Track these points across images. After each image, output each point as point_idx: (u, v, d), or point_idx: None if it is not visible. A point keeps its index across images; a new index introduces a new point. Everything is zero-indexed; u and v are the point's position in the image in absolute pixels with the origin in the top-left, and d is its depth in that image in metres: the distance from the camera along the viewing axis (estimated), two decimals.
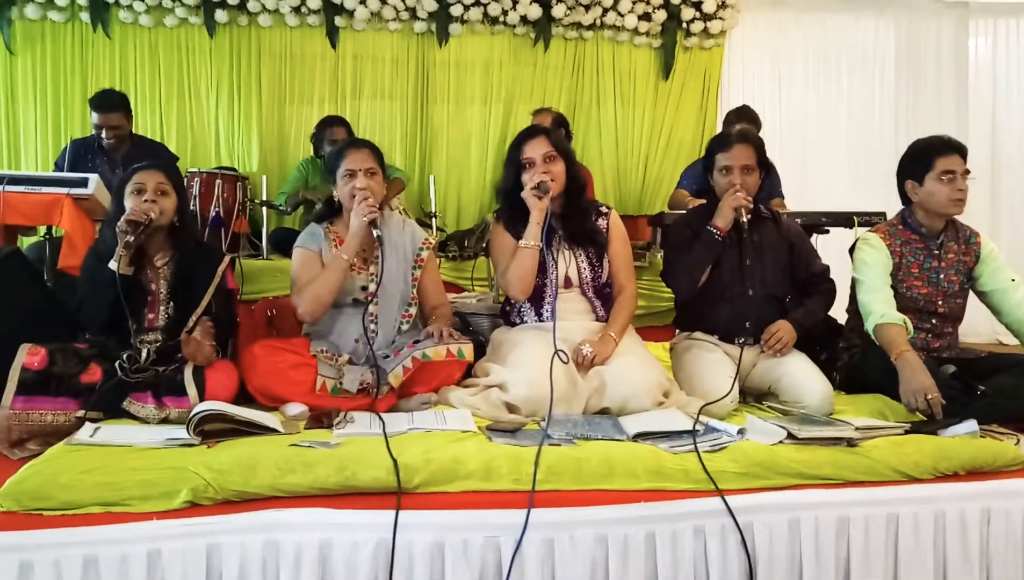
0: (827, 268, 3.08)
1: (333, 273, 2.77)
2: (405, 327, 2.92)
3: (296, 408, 2.54)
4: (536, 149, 2.80)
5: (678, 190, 4.81)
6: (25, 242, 3.77)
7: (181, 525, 1.88)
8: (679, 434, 2.32)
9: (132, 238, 2.59)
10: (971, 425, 2.43)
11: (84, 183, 3.34)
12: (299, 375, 2.64)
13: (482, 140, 5.55)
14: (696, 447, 2.21)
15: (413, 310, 2.95)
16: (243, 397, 2.63)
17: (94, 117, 4.13)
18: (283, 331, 3.46)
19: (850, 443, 2.31)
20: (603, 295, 2.92)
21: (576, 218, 2.86)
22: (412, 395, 2.70)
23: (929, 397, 2.51)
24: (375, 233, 2.75)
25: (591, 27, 5.49)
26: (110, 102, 4.14)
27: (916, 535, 2.15)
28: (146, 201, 2.68)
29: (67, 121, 5.11)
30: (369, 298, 2.83)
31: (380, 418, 2.41)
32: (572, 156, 2.91)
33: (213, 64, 5.23)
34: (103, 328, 2.66)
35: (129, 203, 2.69)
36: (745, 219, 2.82)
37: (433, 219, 4.43)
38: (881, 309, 2.81)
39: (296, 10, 5.15)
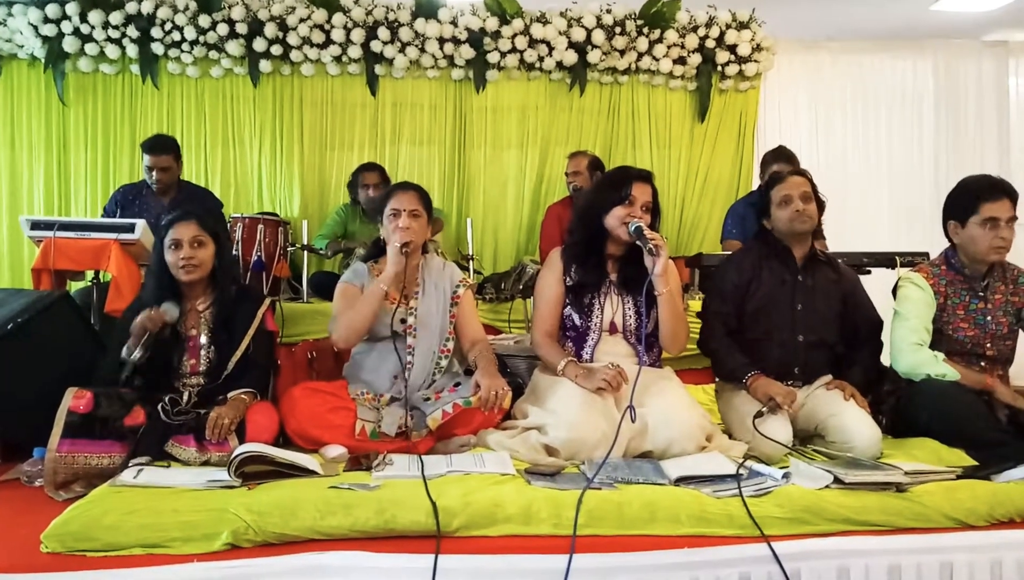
0: (881, 323, 3.02)
1: (369, 302, 2.78)
2: (444, 363, 2.91)
3: (335, 450, 2.54)
4: (643, 193, 2.77)
5: (727, 242, 4.74)
6: (73, 287, 3.85)
7: (221, 567, 1.89)
8: (722, 478, 2.28)
9: (146, 339, 2.62)
10: None
11: (131, 229, 3.42)
12: (338, 419, 2.65)
13: (518, 183, 5.57)
14: (740, 492, 2.17)
15: (451, 345, 2.94)
16: (283, 439, 2.64)
17: (145, 159, 4.24)
18: (323, 373, 3.47)
19: (899, 488, 2.24)
20: (648, 342, 2.86)
21: (635, 265, 2.81)
22: (451, 437, 2.68)
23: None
24: (403, 251, 2.75)
25: (626, 71, 5.53)
26: (161, 144, 4.28)
27: None
28: (183, 258, 2.72)
29: (116, 169, 5.24)
30: (408, 330, 2.83)
31: (419, 460, 2.40)
32: (659, 214, 2.88)
33: (256, 112, 5.34)
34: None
35: (168, 256, 2.74)
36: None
37: (470, 262, 4.45)
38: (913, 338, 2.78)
39: (337, 59, 5.25)
